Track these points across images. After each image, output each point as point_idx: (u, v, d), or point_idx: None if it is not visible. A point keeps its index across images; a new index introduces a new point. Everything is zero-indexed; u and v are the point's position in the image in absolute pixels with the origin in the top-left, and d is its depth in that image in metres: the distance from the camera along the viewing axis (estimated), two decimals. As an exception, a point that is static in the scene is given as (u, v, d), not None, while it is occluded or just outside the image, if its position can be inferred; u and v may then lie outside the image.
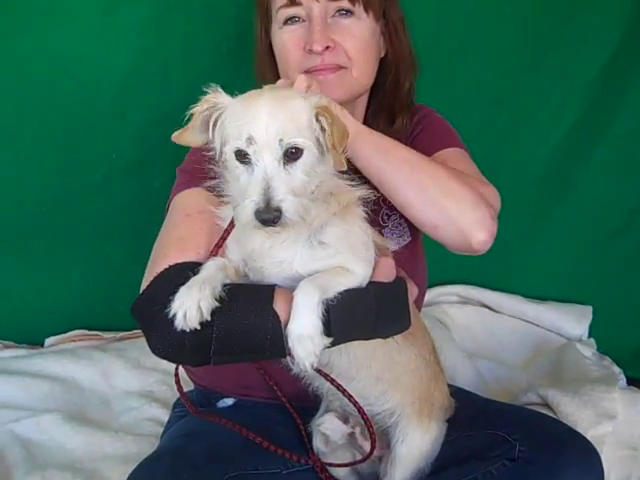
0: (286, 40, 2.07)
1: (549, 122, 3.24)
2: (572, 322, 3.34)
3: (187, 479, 1.71)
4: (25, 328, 3.21)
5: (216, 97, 1.65)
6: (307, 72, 2.01)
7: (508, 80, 3.15)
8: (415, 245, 2.23)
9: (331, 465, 2.00)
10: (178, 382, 1.88)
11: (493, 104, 3.20)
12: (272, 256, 1.69)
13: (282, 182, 1.55)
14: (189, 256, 1.79)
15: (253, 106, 1.59)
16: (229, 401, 2.21)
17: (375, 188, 1.88)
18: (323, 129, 1.60)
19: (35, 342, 3.22)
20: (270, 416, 2.10)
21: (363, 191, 1.78)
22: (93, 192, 3.10)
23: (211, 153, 1.71)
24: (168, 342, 1.66)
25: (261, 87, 1.70)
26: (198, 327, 1.56)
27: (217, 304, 1.59)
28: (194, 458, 1.79)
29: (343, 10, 2.03)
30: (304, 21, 2.04)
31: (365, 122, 2.20)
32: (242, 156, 1.58)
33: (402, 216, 2.08)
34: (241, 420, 1.98)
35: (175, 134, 1.69)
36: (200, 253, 1.80)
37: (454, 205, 1.86)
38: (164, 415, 2.66)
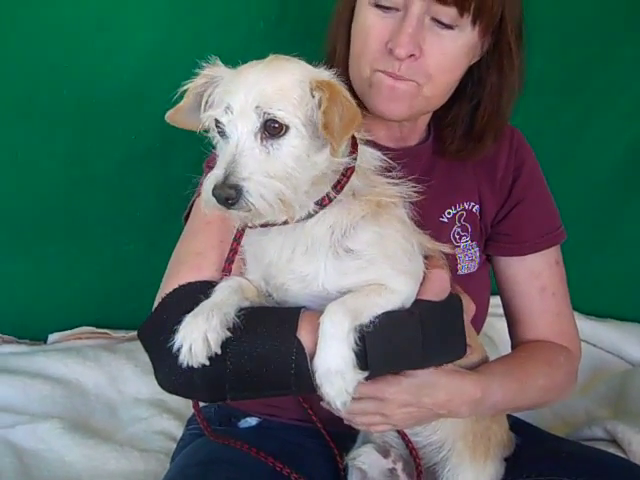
0: (370, 25, 1.72)
1: (619, 122, 2.96)
2: (635, 344, 3.06)
3: None
4: (27, 322, 3.03)
5: (213, 71, 1.46)
6: (377, 71, 1.72)
7: (575, 73, 2.87)
8: (484, 272, 2.02)
9: (368, 504, 1.80)
10: None
11: (557, 100, 2.91)
12: (292, 270, 1.48)
13: (253, 159, 1.34)
14: (205, 275, 1.61)
15: (243, 74, 1.42)
16: (252, 421, 2.03)
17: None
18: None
19: (37, 338, 3.04)
20: (299, 442, 1.92)
21: (404, 189, 1.54)
22: (108, 178, 2.87)
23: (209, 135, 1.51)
24: (176, 378, 1.51)
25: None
26: (207, 362, 1.39)
27: (229, 334, 1.42)
28: None
29: (443, 24, 1.68)
30: (398, 10, 1.70)
31: (432, 131, 1.96)
32: (220, 128, 1.41)
33: (474, 238, 1.96)
34: (266, 445, 1.81)
35: (168, 113, 1.52)
36: (219, 271, 1.60)
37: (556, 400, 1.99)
38: (176, 428, 2.52)
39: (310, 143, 1.39)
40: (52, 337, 3.03)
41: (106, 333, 3.05)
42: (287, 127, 1.36)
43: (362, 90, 1.75)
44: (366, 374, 1.38)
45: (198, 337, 1.38)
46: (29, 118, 2.74)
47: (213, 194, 1.32)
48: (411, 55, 1.67)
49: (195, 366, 1.39)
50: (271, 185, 1.33)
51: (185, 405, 2.60)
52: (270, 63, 1.43)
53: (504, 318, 2.94)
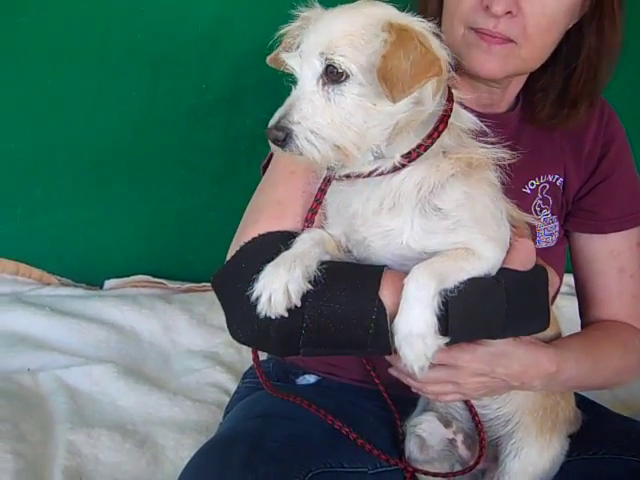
0: None
1: None
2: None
3: (264, 474, 1.46)
4: (85, 267, 3.07)
5: (310, 13, 1.42)
6: (472, 29, 1.65)
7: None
8: (561, 248, 1.96)
9: (425, 473, 1.76)
10: (255, 350, 1.68)
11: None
12: (377, 224, 1.44)
13: (311, 104, 1.31)
14: (285, 225, 1.56)
15: (322, 18, 1.37)
16: (311, 378, 1.98)
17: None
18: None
19: (94, 283, 3.08)
20: (358, 403, 1.87)
21: (499, 152, 1.46)
22: (175, 126, 2.88)
23: None
24: (250, 328, 1.46)
25: None
26: (285, 314, 1.35)
27: (310, 287, 1.38)
28: (273, 448, 1.54)
29: None
30: None
31: (522, 98, 1.88)
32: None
33: (555, 212, 1.89)
34: (325, 403, 1.77)
35: (269, 57, 1.48)
36: (300, 222, 1.56)
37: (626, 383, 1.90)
38: (229, 382, 2.53)
39: (374, 91, 1.32)
40: (108, 283, 3.05)
41: (162, 283, 3.06)
42: (346, 74, 1.31)
43: (455, 49, 1.66)
44: (447, 340, 1.34)
45: (279, 288, 1.34)
46: (101, 61, 2.75)
47: (266, 134, 1.32)
48: (508, 12, 1.60)
49: (273, 317, 1.35)
50: (323, 132, 1.30)
51: (238, 359, 2.62)
52: (353, 6, 1.38)
53: (568, 296, 2.89)
